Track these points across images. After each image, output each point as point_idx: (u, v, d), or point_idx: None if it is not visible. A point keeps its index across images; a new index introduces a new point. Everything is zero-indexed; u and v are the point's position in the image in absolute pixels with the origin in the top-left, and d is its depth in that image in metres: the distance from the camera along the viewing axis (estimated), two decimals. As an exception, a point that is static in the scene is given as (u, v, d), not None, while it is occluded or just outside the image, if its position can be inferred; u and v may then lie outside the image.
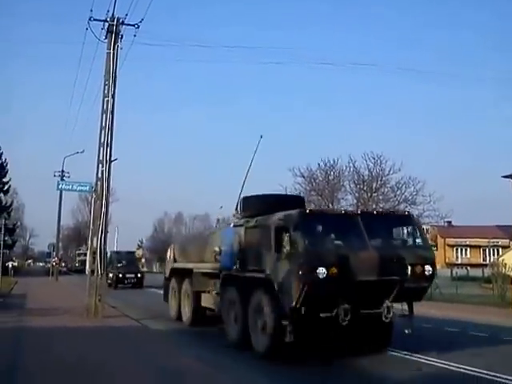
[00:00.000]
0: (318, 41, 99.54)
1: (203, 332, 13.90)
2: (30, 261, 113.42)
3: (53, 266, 45.52)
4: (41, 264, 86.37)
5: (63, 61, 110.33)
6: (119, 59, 16.25)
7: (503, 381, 8.32)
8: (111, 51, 15.95)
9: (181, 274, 15.39)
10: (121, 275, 33.03)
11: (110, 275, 31.49)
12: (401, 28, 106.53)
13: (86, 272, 22.71)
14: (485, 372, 8.83)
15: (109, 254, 36.68)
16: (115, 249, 66.07)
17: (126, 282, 33.32)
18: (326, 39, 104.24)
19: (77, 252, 58.93)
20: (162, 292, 17.84)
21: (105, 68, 16.18)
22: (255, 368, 9.28)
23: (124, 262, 34.41)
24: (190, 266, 14.53)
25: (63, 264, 76.31)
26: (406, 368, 9.44)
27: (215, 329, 13.16)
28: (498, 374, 8.63)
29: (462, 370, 9.13)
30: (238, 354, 10.71)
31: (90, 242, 17.30)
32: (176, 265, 16.11)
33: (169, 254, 16.86)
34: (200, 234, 39.01)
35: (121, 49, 16.24)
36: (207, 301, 13.68)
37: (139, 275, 34.24)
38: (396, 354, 10.67)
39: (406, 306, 10.47)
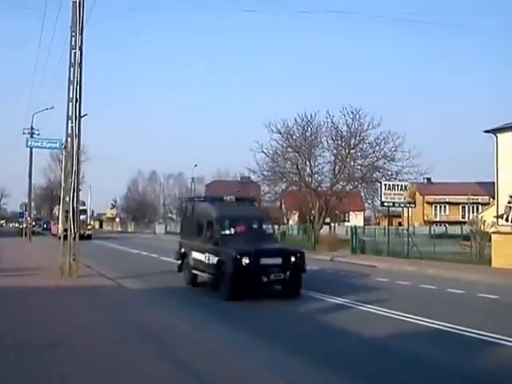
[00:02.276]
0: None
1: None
2: (2, 221, 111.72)
3: (28, 226, 45.05)
4: (15, 225, 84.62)
5: (30, 11, 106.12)
6: (86, 9, 15.56)
7: (478, 337, 8.30)
8: (77, 0, 15.18)
9: None
10: (247, 262, 12.21)
11: (201, 259, 13.76)
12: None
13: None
14: (460, 328, 8.81)
15: (184, 205, 17.63)
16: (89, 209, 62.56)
17: (266, 279, 12.41)
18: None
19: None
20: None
21: (71, 18, 15.43)
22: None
23: (240, 222, 14.13)
24: None
25: (45, 226, 71.99)
26: (384, 324, 9.38)
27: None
28: (471, 330, 8.60)
29: (436, 326, 9.12)
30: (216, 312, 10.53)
31: (62, 200, 16.93)
32: None
33: None
34: None
35: (87, -2, 15.45)
36: None
37: (294, 259, 12.75)
38: (375, 311, 10.62)
39: None
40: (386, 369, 6.80)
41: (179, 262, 15.45)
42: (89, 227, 48.41)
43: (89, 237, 44.82)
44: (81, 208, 42.37)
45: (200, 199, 16.96)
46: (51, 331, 7.94)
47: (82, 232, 39.68)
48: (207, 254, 13.37)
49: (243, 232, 13.74)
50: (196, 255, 14.22)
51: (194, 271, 14.36)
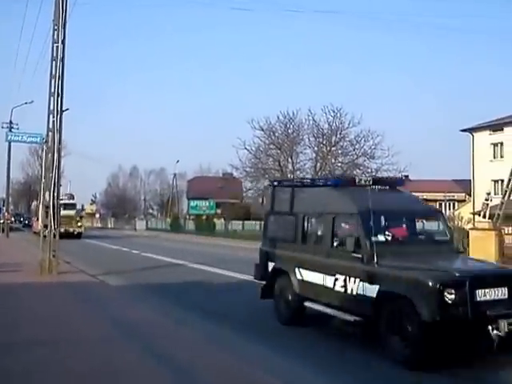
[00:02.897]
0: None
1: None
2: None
3: (5, 221, 43.47)
4: None
5: (10, 3, 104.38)
6: (69, 3, 15.49)
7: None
8: (60, -6, 15.07)
9: None
10: (453, 297, 6.40)
11: (326, 284, 8.18)
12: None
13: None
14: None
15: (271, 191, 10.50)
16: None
17: (496, 332, 6.41)
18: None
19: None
20: None
21: (54, 12, 15.31)
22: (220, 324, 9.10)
23: (398, 221, 8.38)
24: None
25: (26, 222, 66.69)
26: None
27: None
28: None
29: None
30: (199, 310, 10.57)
31: (41, 195, 16.73)
32: None
33: None
34: None
35: (71, -9, 15.37)
36: None
37: None
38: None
39: None
40: None
41: (265, 283, 9.81)
42: (79, 224, 40.76)
43: (79, 235, 38.80)
44: (69, 202, 39.07)
45: (312, 182, 10.50)
46: (31, 328, 7.88)
47: (70, 230, 36.35)
48: (342, 277, 7.78)
49: (405, 238, 8.12)
50: (311, 276, 8.55)
51: (307, 303, 8.73)
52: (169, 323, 8.52)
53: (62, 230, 33.60)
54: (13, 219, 69.46)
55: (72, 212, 39.80)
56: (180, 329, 8.17)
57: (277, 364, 6.42)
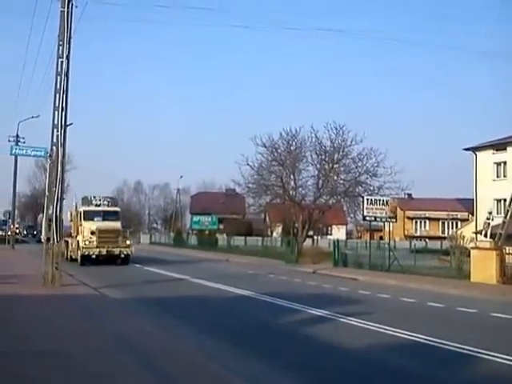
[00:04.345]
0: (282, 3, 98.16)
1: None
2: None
3: (12, 233, 43.40)
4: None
5: (17, 19, 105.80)
6: (74, 19, 15.74)
7: (458, 350, 8.43)
8: (65, 9, 15.38)
9: None
10: None
11: None
12: None
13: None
14: (439, 341, 8.94)
15: None
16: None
17: None
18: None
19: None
20: None
21: (59, 28, 15.60)
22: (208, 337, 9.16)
23: None
24: None
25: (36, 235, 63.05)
26: (366, 337, 9.50)
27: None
28: (450, 343, 8.75)
29: (415, 339, 9.22)
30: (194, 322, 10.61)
31: (45, 209, 16.89)
32: None
33: None
34: None
35: (76, 7, 15.70)
36: None
37: None
38: (357, 323, 10.74)
39: None
40: (364, 379, 6.92)
41: None
42: (127, 242, 26.76)
43: (126, 260, 26.26)
44: (111, 209, 27.93)
45: None
46: (30, 339, 7.89)
47: (115, 251, 25.42)
48: None
49: None
50: None
51: None
52: (168, 337, 8.56)
53: (104, 250, 25.21)
54: (25, 232, 70.14)
55: (117, 224, 27.14)
56: (177, 342, 8.18)
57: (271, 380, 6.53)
